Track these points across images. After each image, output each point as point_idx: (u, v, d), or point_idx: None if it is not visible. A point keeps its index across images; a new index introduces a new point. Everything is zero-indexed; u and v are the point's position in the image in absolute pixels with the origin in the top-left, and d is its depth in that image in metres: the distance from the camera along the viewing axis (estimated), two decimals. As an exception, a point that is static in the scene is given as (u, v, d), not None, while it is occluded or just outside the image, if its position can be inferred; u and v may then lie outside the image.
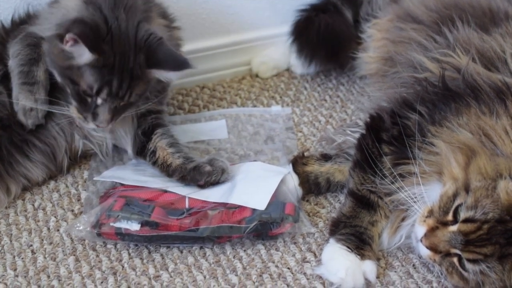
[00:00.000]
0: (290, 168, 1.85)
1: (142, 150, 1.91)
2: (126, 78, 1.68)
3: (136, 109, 1.82)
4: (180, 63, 1.73)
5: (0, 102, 1.80)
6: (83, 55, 1.63)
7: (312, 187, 1.88)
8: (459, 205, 1.50)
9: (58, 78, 1.74)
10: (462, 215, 1.49)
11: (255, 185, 1.79)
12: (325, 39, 2.27)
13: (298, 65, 2.36)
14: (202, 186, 1.81)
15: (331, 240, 1.68)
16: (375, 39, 2.14)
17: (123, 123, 1.87)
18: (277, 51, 2.37)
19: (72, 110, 1.76)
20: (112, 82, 1.67)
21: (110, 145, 1.93)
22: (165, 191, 1.81)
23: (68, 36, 1.62)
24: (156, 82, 1.81)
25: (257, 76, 2.39)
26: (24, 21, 1.89)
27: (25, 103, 1.77)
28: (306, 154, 1.93)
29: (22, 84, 1.77)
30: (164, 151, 1.86)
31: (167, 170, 1.85)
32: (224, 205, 1.76)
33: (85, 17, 1.65)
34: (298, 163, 1.88)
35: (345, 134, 1.95)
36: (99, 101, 1.70)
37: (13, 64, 1.77)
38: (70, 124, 1.85)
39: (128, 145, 1.92)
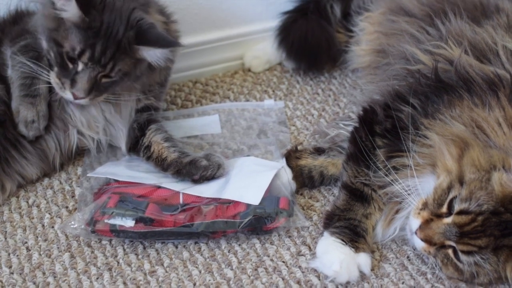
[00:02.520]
0: (283, 162, 1.85)
1: (135, 146, 1.90)
2: (111, 46, 1.68)
3: (119, 98, 1.81)
4: (168, 41, 1.74)
5: None
6: (71, 11, 1.64)
7: (306, 180, 1.88)
8: (454, 198, 1.51)
9: (45, 44, 1.73)
10: (457, 207, 1.50)
11: (249, 180, 1.79)
12: (305, 50, 2.30)
13: (288, 64, 2.37)
14: (197, 181, 1.81)
15: (325, 233, 1.69)
16: (368, 32, 2.14)
17: (121, 115, 1.88)
18: (269, 46, 2.37)
19: (51, 76, 1.74)
20: (96, 46, 1.67)
21: (104, 141, 1.92)
22: (159, 187, 1.81)
23: None
24: (149, 70, 1.80)
25: (249, 70, 2.39)
26: (21, 15, 1.89)
27: (27, 115, 1.77)
28: (299, 148, 1.93)
29: (24, 97, 1.77)
30: (159, 145, 1.86)
31: (162, 165, 1.84)
32: (218, 200, 1.76)
33: None
34: (291, 157, 1.88)
35: (338, 127, 1.96)
36: (80, 66, 1.69)
37: (14, 76, 1.78)
38: (63, 124, 1.85)
39: (122, 140, 1.91)
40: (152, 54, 1.74)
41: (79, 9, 1.64)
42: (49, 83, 1.77)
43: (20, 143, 1.82)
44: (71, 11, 1.66)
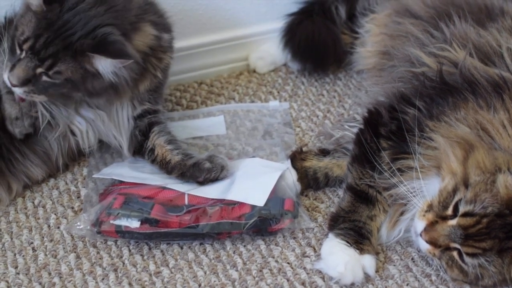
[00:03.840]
0: (288, 163, 1.86)
1: (140, 149, 1.91)
2: (57, 44, 1.62)
3: (59, 97, 1.74)
4: (120, 52, 1.65)
5: None
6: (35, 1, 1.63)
7: (311, 182, 1.88)
8: (459, 200, 1.51)
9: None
10: (462, 209, 1.50)
11: (254, 181, 1.80)
12: (310, 51, 2.30)
13: (293, 65, 2.38)
14: (201, 183, 1.82)
15: (330, 235, 1.69)
16: (373, 34, 2.15)
17: (116, 123, 1.88)
18: (274, 46, 2.36)
19: (5, 60, 1.70)
20: (40, 37, 1.62)
21: (92, 138, 1.90)
22: (164, 188, 1.81)
23: None
24: (94, 79, 1.69)
25: (254, 71, 2.39)
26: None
27: (11, 112, 1.77)
28: (304, 149, 1.94)
29: (7, 94, 1.76)
30: (162, 148, 1.87)
31: (166, 167, 1.85)
32: (223, 201, 1.76)
33: None
34: (296, 158, 1.89)
35: (343, 129, 1.96)
36: (23, 54, 1.64)
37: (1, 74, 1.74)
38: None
39: (123, 145, 1.91)
40: (105, 67, 1.65)
41: None
42: None
43: (23, 145, 1.83)
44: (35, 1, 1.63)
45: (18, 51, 1.65)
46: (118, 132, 1.90)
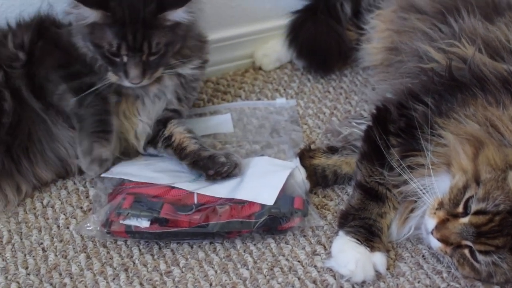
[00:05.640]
0: (297, 161, 1.86)
1: (153, 139, 1.94)
2: (139, 30, 1.73)
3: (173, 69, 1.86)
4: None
5: (5, 109, 1.79)
6: (92, 15, 1.71)
7: (320, 180, 1.88)
8: (470, 197, 1.51)
9: (91, 50, 1.80)
10: (474, 207, 1.50)
11: (263, 180, 1.80)
12: (316, 48, 2.30)
13: (299, 62, 2.37)
14: (211, 177, 1.82)
15: (340, 233, 1.69)
16: (379, 30, 2.14)
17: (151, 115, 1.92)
18: (279, 44, 2.36)
19: (110, 76, 1.81)
20: (127, 36, 1.73)
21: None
22: (173, 187, 1.80)
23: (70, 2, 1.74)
24: (179, 28, 1.81)
25: (260, 68, 2.39)
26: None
27: (101, 153, 1.79)
28: (312, 147, 1.94)
29: (99, 132, 1.79)
30: (181, 134, 1.90)
31: (180, 153, 1.88)
32: (232, 200, 1.76)
33: None
34: (305, 156, 1.89)
35: (351, 126, 1.96)
36: (124, 58, 1.76)
37: (86, 112, 1.79)
38: None
39: (143, 138, 1.94)
40: (177, 15, 1.77)
41: (96, 10, 1.70)
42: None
43: (36, 152, 1.83)
44: (92, 15, 1.71)
45: (117, 59, 1.77)
46: (148, 122, 1.93)
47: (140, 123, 1.91)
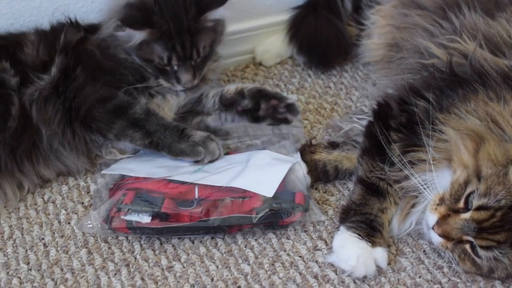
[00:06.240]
0: (298, 156, 1.86)
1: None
2: (186, 39, 1.84)
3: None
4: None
5: (12, 113, 1.79)
6: (138, 35, 1.82)
7: (321, 175, 1.88)
8: (471, 193, 1.51)
9: (140, 62, 1.90)
10: (475, 202, 1.50)
11: (263, 172, 1.80)
12: (316, 44, 2.30)
13: (300, 58, 2.38)
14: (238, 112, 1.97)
15: (342, 228, 1.69)
16: (379, 26, 2.14)
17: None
18: (280, 39, 2.36)
19: (162, 82, 1.93)
20: (176, 47, 1.83)
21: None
22: (171, 181, 1.80)
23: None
24: (219, 25, 1.93)
25: (260, 64, 2.39)
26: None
27: (214, 148, 1.87)
28: (313, 142, 1.94)
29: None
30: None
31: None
32: (233, 194, 1.75)
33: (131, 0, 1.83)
34: (306, 151, 1.89)
35: (351, 121, 1.96)
36: (175, 67, 1.88)
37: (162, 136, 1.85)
38: None
39: None
40: (217, 14, 1.88)
41: (141, 30, 1.81)
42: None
43: (39, 157, 1.84)
44: (139, 35, 1.82)
45: (168, 68, 1.89)
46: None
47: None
